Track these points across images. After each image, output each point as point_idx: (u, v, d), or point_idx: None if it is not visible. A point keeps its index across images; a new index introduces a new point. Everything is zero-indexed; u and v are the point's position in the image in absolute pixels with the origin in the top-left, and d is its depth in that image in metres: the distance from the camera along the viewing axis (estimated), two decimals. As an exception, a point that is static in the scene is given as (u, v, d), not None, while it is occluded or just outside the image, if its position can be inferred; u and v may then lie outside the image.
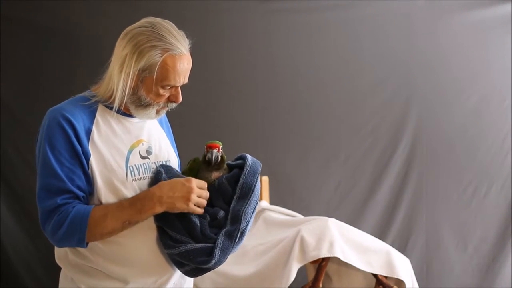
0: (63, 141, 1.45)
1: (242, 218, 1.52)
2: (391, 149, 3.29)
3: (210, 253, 1.48)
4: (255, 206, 1.58)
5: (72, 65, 2.89)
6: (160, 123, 1.72)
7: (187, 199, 1.47)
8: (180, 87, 1.55)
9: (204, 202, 1.51)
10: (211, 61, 3.08)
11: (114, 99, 1.50)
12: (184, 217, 1.51)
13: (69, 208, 1.43)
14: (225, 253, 1.50)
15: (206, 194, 1.52)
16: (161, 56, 1.47)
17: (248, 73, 3.15)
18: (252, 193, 1.56)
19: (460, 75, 3.35)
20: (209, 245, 1.50)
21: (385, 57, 3.28)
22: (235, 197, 1.56)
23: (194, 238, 1.51)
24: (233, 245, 1.51)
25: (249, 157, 1.63)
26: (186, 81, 1.54)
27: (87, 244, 1.46)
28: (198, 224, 1.52)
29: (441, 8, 3.30)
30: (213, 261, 1.48)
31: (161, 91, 1.51)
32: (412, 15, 3.29)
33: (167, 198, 1.47)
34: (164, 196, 1.47)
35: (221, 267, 2.47)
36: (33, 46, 2.89)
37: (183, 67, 1.51)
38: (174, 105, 1.58)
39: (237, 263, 2.48)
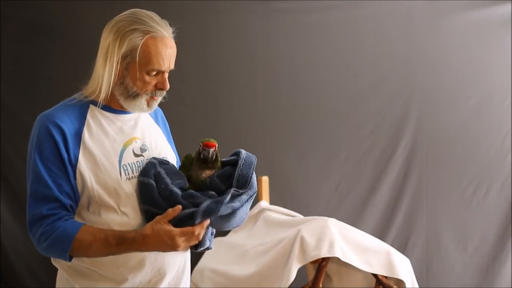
0: (51, 148, 1.45)
1: (250, 184, 1.52)
2: (391, 149, 3.29)
3: (217, 202, 1.46)
4: (252, 196, 1.53)
5: (73, 65, 2.88)
6: (156, 120, 1.70)
7: (173, 250, 1.47)
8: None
9: (193, 243, 1.50)
10: (211, 61, 3.07)
11: (101, 90, 1.50)
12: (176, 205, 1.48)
13: (56, 223, 1.43)
14: (236, 199, 1.47)
15: (194, 240, 1.48)
16: (142, 39, 1.47)
17: (248, 73, 3.14)
18: (249, 184, 1.53)
19: (460, 75, 3.35)
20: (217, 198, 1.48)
21: (385, 57, 3.28)
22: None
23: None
24: (244, 196, 1.49)
25: (243, 151, 1.60)
26: (172, 67, 1.54)
27: (71, 258, 1.46)
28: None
29: (442, 8, 3.29)
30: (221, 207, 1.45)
31: (147, 77, 1.51)
32: (412, 15, 3.29)
33: (153, 249, 1.48)
34: (149, 249, 1.47)
35: (221, 267, 2.48)
36: (33, 46, 2.88)
37: (166, 50, 1.50)
38: (163, 93, 1.56)
39: (237, 263, 2.48)
